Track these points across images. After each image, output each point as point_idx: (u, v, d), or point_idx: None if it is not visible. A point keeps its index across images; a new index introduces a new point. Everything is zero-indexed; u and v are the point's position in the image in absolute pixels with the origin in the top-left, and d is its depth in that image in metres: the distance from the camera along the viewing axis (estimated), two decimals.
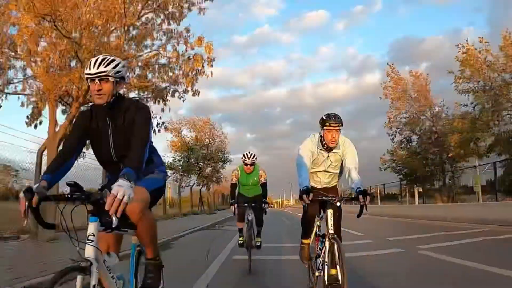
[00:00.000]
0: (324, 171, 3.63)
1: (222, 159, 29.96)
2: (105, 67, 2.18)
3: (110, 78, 2.20)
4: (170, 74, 9.73)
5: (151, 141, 2.40)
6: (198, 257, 6.19)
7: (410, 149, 22.55)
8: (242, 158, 5.53)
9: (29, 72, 9.06)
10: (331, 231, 3.11)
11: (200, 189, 28.89)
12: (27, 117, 11.04)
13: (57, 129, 8.18)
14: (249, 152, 5.48)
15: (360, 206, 3.11)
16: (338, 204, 3.17)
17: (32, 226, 7.03)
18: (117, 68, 2.23)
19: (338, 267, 2.85)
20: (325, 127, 3.36)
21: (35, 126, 11.08)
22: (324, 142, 3.44)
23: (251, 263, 5.00)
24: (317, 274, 3.30)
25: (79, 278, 1.77)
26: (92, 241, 1.88)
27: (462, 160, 18.68)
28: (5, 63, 8.51)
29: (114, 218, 1.78)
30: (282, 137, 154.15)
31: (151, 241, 2.40)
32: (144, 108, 2.37)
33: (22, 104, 9.45)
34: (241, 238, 5.55)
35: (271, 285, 4.31)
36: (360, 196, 3.09)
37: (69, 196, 1.87)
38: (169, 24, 8.73)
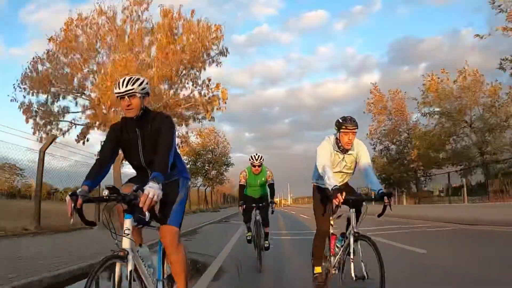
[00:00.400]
0: (340, 171, 3.67)
1: (225, 163, 33.41)
2: (132, 85, 2.39)
3: (137, 94, 2.40)
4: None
5: (176, 148, 2.62)
6: (218, 240, 9.06)
7: (389, 157, 25.99)
8: (250, 160, 5.62)
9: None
10: (356, 229, 3.19)
11: (205, 190, 32.27)
12: (78, 136, 14.61)
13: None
14: (256, 154, 5.58)
15: (383, 206, 3.16)
16: (364, 203, 3.35)
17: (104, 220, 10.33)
18: (142, 85, 2.44)
19: (362, 262, 3.00)
20: (341, 130, 3.39)
21: (83, 143, 14.70)
22: (340, 144, 3.49)
23: (261, 263, 5.02)
24: (332, 271, 3.41)
25: (118, 265, 2.06)
26: (128, 234, 2.15)
27: (430, 168, 22.03)
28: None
29: (147, 214, 2.08)
30: (280, 137, 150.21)
31: (182, 271, 2.55)
32: (168, 118, 2.56)
33: (83, 132, 13.27)
34: (249, 234, 5.75)
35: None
36: (385, 197, 3.16)
37: (107, 197, 2.10)
38: (194, 75, 12.33)
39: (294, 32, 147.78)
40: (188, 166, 31.50)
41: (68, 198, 2.12)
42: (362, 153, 3.55)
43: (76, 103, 13.42)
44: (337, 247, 3.47)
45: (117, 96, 2.43)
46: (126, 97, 2.40)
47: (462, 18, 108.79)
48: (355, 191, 3.87)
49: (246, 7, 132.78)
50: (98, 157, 2.60)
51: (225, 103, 12.50)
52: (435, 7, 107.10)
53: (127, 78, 2.45)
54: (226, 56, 12.67)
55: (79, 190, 2.19)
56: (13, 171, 10.44)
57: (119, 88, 2.39)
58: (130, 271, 2.09)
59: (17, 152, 8.46)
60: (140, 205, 2.04)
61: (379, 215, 3.15)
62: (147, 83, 2.49)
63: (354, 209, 3.26)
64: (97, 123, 11.99)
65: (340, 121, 3.39)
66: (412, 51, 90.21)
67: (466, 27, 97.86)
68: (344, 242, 3.31)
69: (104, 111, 11.05)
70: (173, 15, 11.50)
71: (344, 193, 3.03)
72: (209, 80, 12.40)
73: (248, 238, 5.78)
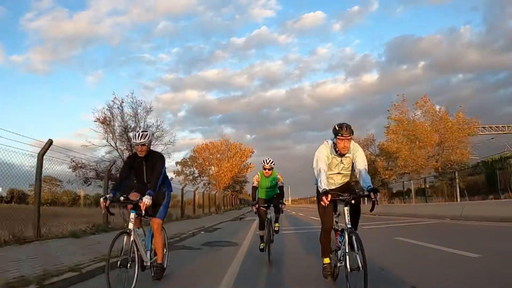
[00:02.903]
0: (338, 173, 3.94)
1: (244, 181, 55.66)
2: (144, 139, 4.18)
3: (146, 144, 4.24)
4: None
5: (165, 172, 4.49)
6: (255, 217, 25.93)
7: None
8: (262, 163, 6.32)
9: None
10: (349, 225, 3.51)
11: (231, 197, 54.53)
12: (204, 185, 39.18)
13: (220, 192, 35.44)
14: (268, 159, 6.27)
15: (372, 202, 3.41)
16: (353, 201, 3.58)
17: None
18: (149, 138, 4.26)
19: (357, 255, 3.22)
20: (338, 137, 3.66)
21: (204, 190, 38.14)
22: (337, 149, 3.75)
23: (270, 256, 5.71)
24: (339, 264, 3.69)
25: (126, 237, 3.78)
26: (132, 221, 3.89)
27: None
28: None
29: (143, 211, 3.98)
30: (281, 138, 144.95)
31: (160, 248, 4.40)
32: (162, 156, 4.47)
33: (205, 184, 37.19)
34: (262, 244, 6.15)
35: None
36: (372, 193, 3.43)
37: (123, 201, 3.97)
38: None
39: (292, 34, 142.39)
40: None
41: (101, 199, 3.91)
42: (359, 156, 3.82)
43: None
44: (340, 242, 3.72)
45: (135, 144, 4.19)
46: (140, 145, 4.17)
47: (459, 16, 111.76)
48: (355, 191, 3.95)
49: (244, 10, 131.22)
50: (119, 175, 4.48)
51: (253, 167, 36.96)
52: (432, 6, 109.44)
53: (140, 133, 4.21)
54: (253, 153, 36.53)
55: (108, 195, 3.92)
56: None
57: (136, 140, 4.17)
58: (132, 241, 3.78)
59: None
60: (141, 207, 3.88)
61: (370, 210, 3.44)
62: (151, 135, 4.32)
63: (347, 207, 3.57)
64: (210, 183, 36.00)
65: (337, 128, 3.66)
66: (410, 50, 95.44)
67: (464, 25, 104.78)
68: (343, 237, 3.57)
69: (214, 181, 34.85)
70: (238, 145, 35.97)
71: (329, 196, 3.38)
72: (250, 163, 36.58)
73: (260, 247, 6.17)
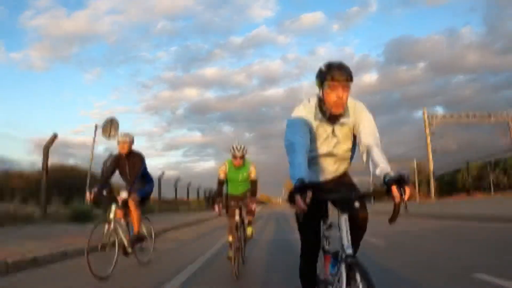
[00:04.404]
0: (329, 153, 2.15)
1: None
2: (126, 137, 4.94)
3: (128, 142, 4.94)
4: None
5: (146, 168, 5.20)
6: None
7: None
8: (231, 150, 4.71)
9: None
10: (349, 250, 1.73)
11: None
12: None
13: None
14: (238, 144, 4.69)
15: (394, 204, 1.69)
16: (356, 205, 1.80)
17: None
18: (131, 138, 5.00)
19: None
20: (326, 84, 1.95)
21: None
22: (325, 108, 2.03)
23: (239, 267, 4.18)
24: None
25: (106, 225, 4.38)
26: (112, 211, 4.52)
27: None
28: None
29: (119, 203, 4.62)
30: (281, 136, 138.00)
31: (137, 222, 4.92)
32: (141, 155, 5.13)
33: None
34: (230, 252, 4.52)
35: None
36: (394, 188, 1.66)
37: (106, 195, 4.61)
38: None
39: (291, 34, 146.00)
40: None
41: (87, 193, 4.73)
42: (365, 120, 2.08)
43: None
44: (331, 274, 2.09)
45: (118, 143, 4.99)
46: (122, 142, 4.93)
47: (458, 17, 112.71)
48: (356, 186, 2.30)
49: (243, 10, 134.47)
50: (105, 172, 5.46)
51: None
52: (431, 8, 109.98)
53: (123, 133, 5.07)
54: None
55: (96, 189, 4.61)
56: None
57: (119, 138, 5.01)
58: (112, 229, 4.41)
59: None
60: (118, 200, 4.67)
61: (390, 220, 1.73)
62: (132, 137, 5.03)
63: (345, 215, 1.82)
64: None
65: (323, 69, 1.99)
66: (409, 51, 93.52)
67: (463, 26, 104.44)
68: (337, 268, 1.86)
69: None
70: None
71: (308, 194, 1.59)
72: None
73: (229, 255, 4.58)
